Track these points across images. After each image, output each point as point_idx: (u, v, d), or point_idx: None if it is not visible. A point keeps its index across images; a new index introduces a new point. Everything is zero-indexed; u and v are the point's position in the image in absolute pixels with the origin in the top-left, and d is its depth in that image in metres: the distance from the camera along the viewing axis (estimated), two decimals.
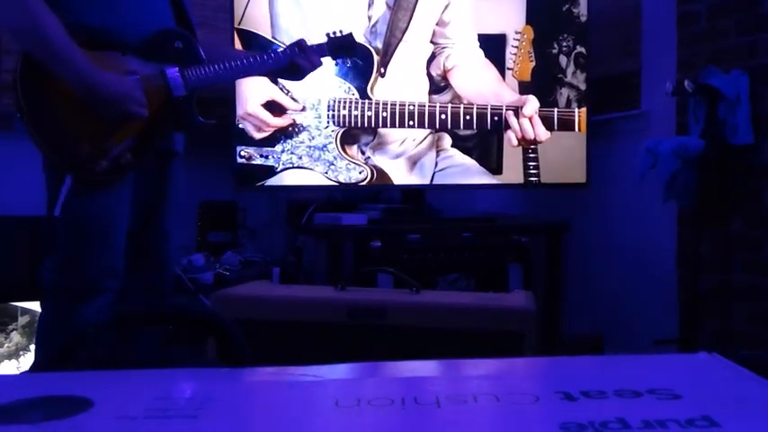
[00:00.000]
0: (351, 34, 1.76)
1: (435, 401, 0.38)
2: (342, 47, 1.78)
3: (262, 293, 1.46)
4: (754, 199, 2.20)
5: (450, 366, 0.47)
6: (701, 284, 2.25)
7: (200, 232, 2.83)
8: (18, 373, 2.23)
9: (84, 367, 0.72)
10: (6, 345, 2.33)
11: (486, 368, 0.47)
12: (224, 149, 2.47)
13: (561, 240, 2.59)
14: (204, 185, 2.83)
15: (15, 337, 2.34)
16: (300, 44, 1.73)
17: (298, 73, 1.73)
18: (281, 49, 1.76)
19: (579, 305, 2.77)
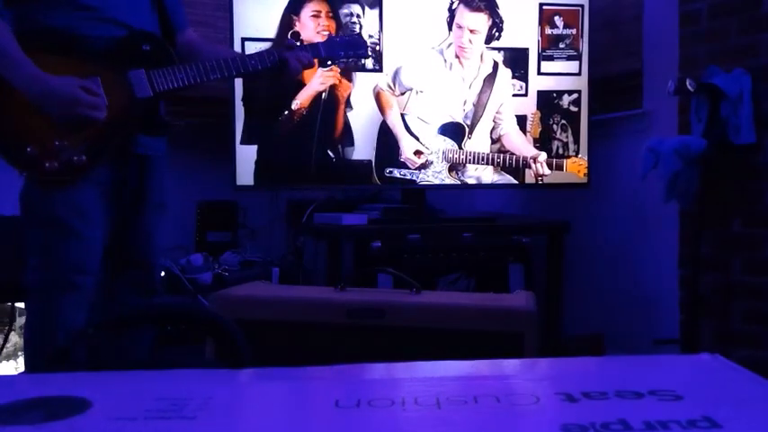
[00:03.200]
0: (359, 34, 1.76)
1: (436, 402, 0.38)
2: (350, 45, 1.76)
3: (261, 294, 1.46)
4: (756, 198, 2.20)
5: (450, 367, 0.46)
6: (701, 284, 2.25)
7: (198, 232, 2.83)
8: (16, 373, 2.23)
9: (80, 368, 0.72)
10: (6, 345, 2.33)
11: (486, 369, 0.47)
12: (224, 149, 2.47)
13: (562, 240, 2.59)
14: (203, 185, 2.83)
15: (14, 337, 2.34)
16: (289, 44, 1.70)
17: (285, 73, 1.68)
18: (265, 49, 1.74)
19: (580, 305, 2.77)
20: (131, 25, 1.58)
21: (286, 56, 1.65)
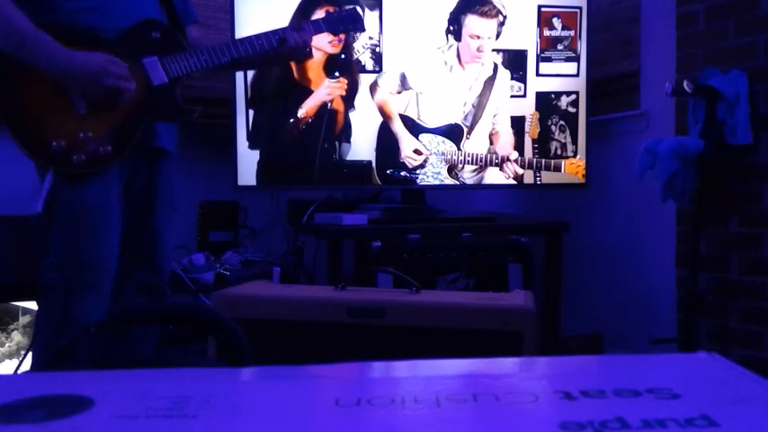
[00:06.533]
0: (354, 8, 1.81)
1: (435, 400, 0.38)
2: (344, 20, 1.81)
3: (262, 293, 1.46)
4: (753, 198, 2.20)
5: (449, 366, 0.47)
6: (699, 284, 2.25)
7: (200, 232, 2.83)
8: (18, 372, 2.23)
9: (82, 366, 0.72)
10: (7, 344, 2.33)
11: (485, 367, 0.47)
12: (224, 149, 2.47)
13: (561, 240, 2.59)
14: (204, 185, 2.83)
15: (16, 336, 2.34)
16: (292, 26, 1.75)
17: (288, 52, 1.72)
18: (271, 30, 1.73)
19: (578, 305, 2.77)
20: (138, 17, 1.58)
21: (288, 39, 1.69)
